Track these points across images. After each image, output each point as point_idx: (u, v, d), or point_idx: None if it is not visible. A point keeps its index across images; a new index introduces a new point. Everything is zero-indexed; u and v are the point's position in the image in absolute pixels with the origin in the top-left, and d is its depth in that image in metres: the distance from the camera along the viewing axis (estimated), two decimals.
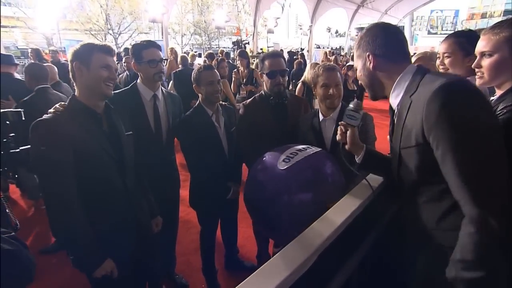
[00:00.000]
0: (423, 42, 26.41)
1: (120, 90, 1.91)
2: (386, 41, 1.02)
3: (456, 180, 0.79)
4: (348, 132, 1.22)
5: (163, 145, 1.93)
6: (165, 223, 1.77)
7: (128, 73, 4.95)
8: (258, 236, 2.29)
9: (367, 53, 1.05)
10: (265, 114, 1.88)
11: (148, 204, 1.60)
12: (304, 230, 0.95)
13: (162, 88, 1.95)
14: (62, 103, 1.31)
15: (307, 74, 4.29)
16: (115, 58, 1.38)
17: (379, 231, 1.21)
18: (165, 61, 1.89)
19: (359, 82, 1.15)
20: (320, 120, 1.74)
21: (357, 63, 1.11)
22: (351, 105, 1.23)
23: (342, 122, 1.24)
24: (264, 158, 1.49)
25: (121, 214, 1.37)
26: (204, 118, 1.87)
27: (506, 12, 24.10)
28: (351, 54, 14.37)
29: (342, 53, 15.73)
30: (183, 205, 3.01)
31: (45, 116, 1.22)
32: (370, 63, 1.05)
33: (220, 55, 7.21)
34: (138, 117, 1.78)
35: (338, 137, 1.26)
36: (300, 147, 1.46)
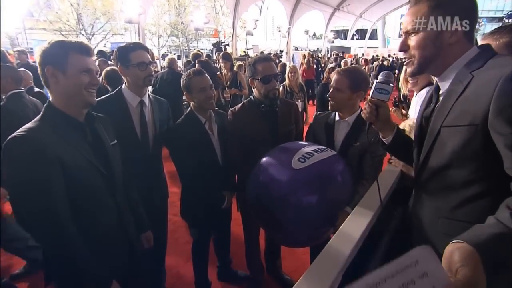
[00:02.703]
0: (395, 44, 27.66)
1: (103, 96, 1.76)
2: (473, 15, 0.85)
3: None
4: (380, 109, 1.07)
5: (150, 154, 1.81)
6: (154, 236, 1.65)
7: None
8: (249, 243, 2.22)
9: (455, 25, 0.84)
10: (255, 121, 1.80)
11: (138, 218, 1.48)
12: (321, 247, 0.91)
13: (149, 93, 1.84)
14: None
15: (287, 79, 4.31)
16: (94, 58, 1.22)
17: (386, 242, 1.20)
18: (154, 63, 1.78)
19: (404, 53, 0.95)
20: (335, 120, 1.72)
21: (422, 28, 0.88)
22: (380, 77, 1.09)
23: (371, 98, 1.09)
24: (274, 155, 1.45)
25: (113, 234, 1.25)
26: (196, 127, 1.78)
27: None
28: (329, 56, 14.72)
29: (320, 55, 16.03)
30: (170, 213, 2.87)
31: (19, 132, 1.03)
32: (451, 36, 0.86)
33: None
34: (123, 125, 1.66)
35: (364, 114, 1.11)
36: (316, 147, 1.43)
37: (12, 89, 2.42)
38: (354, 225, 1.01)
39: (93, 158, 1.16)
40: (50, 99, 1.15)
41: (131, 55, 1.65)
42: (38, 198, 1.00)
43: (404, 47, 0.94)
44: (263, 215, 1.45)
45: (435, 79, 1.03)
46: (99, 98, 1.74)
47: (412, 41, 0.91)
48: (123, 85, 1.76)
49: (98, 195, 1.18)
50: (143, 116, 1.75)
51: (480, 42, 1.14)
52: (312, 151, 1.38)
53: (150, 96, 1.83)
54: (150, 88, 4.60)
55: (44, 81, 1.12)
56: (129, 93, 1.73)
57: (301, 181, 1.28)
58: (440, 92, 0.95)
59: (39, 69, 1.11)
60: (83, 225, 1.12)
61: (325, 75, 5.43)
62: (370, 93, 1.10)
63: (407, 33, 0.92)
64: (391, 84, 1.08)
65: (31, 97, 2.58)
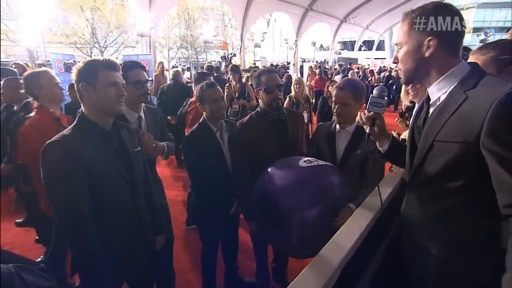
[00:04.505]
0: None
1: None
2: (452, 27, 0.90)
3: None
4: (376, 121, 1.14)
5: (149, 161, 1.86)
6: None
7: None
8: (257, 251, 2.27)
9: (429, 37, 0.91)
10: (264, 131, 1.86)
11: (157, 221, 1.56)
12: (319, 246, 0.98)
13: (143, 104, 1.91)
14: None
15: (293, 90, 4.42)
16: (120, 73, 1.35)
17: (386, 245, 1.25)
18: (151, 82, 1.88)
19: (396, 65, 1.03)
20: (336, 130, 1.79)
21: (404, 43, 0.97)
22: (375, 91, 1.15)
23: (368, 113, 1.16)
24: (283, 160, 1.54)
25: (132, 235, 1.34)
26: (209, 135, 1.89)
27: (475, 29, 25.79)
28: (335, 68, 14.85)
29: (327, 66, 16.19)
30: (179, 220, 2.94)
31: (55, 137, 1.19)
32: (428, 48, 0.92)
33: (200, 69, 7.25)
34: None
35: (359, 119, 1.18)
36: (315, 159, 1.53)
37: (23, 99, 2.58)
38: (355, 225, 1.07)
39: (118, 164, 1.29)
40: (83, 110, 1.29)
41: (128, 73, 1.73)
42: (64, 195, 1.15)
43: (396, 60, 1.05)
44: (267, 210, 1.49)
45: None
46: None
47: (399, 54, 1.02)
48: None
49: (119, 197, 1.29)
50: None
51: (470, 57, 1.22)
52: (316, 159, 1.48)
53: (144, 108, 1.91)
54: (155, 101, 4.73)
55: (79, 95, 1.27)
56: (127, 110, 1.78)
57: (308, 174, 1.38)
58: (431, 102, 1.02)
59: (75, 85, 1.26)
60: (105, 223, 1.23)
61: (328, 89, 5.34)
62: (366, 107, 1.17)
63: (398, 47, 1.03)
64: (385, 98, 1.15)
65: None
